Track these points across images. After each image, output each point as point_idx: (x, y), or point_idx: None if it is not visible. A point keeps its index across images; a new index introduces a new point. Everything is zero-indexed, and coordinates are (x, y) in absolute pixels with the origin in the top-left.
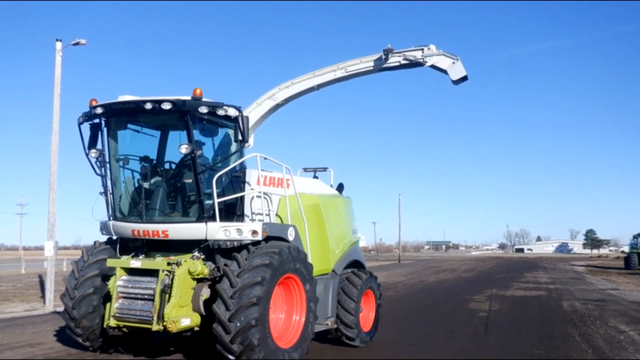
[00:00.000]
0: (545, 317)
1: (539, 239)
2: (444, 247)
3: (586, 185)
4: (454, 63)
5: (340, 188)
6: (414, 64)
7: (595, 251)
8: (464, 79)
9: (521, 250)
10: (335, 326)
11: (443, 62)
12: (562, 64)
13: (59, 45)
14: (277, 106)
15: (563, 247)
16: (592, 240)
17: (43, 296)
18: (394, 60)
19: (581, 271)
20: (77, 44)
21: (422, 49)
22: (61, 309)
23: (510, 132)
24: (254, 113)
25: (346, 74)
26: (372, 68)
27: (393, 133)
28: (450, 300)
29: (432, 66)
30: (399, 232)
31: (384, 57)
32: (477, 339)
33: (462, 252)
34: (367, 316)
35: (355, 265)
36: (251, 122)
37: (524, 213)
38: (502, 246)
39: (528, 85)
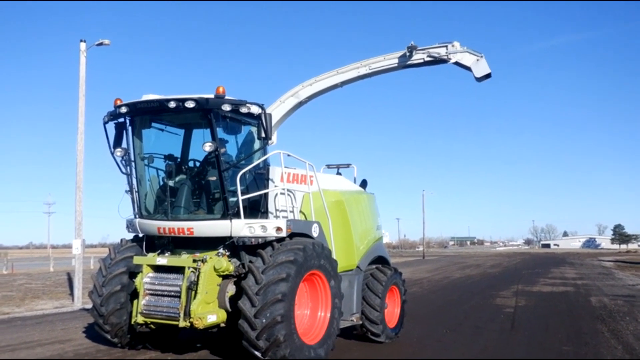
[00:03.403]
0: (573, 313)
1: (565, 234)
2: (468, 242)
3: (614, 179)
4: (478, 60)
5: (363, 184)
6: (437, 61)
7: (623, 246)
8: (488, 76)
9: (547, 245)
10: (361, 322)
11: (467, 59)
12: (586, 58)
13: (83, 45)
14: (301, 103)
15: (590, 243)
16: (620, 235)
17: (71, 293)
18: (417, 57)
19: (609, 266)
20: (101, 44)
21: (447, 46)
22: (89, 306)
23: (537, 126)
24: (277, 110)
25: (370, 71)
26: (396, 65)
27: (416, 129)
28: (476, 296)
29: (456, 63)
30: (423, 228)
31: (408, 54)
32: (503, 335)
33: (487, 247)
34: (392, 312)
35: (380, 261)
36: (275, 120)
37: (550, 208)
38: (528, 242)
39: (554, 79)
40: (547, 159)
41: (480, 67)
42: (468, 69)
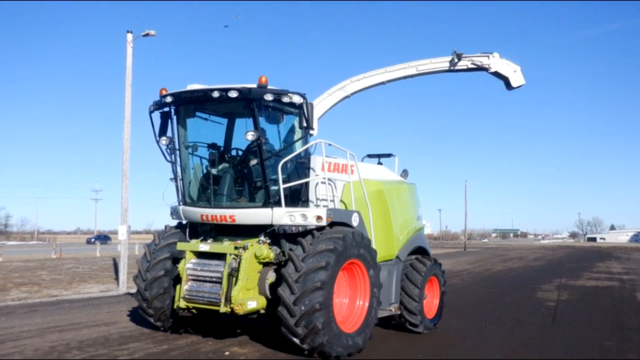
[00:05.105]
0: (617, 308)
1: (612, 227)
2: (511, 235)
3: None
4: (515, 71)
5: (404, 174)
6: (479, 69)
7: None
8: (520, 85)
9: (593, 239)
10: (399, 312)
11: (505, 69)
12: (628, 48)
13: (129, 36)
14: (346, 97)
15: (639, 237)
16: None
17: (117, 278)
18: (462, 63)
19: None
20: (147, 35)
21: (488, 56)
22: (134, 290)
23: (583, 116)
24: (324, 103)
25: (416, 72)
26: (441, 69)
27: (459, 118)
28: (518, 289)
29: (495, 72)
30: (465, 219)
31: (456, 60)
32: (544, 328)
33: (531, 240)
34: (431, 303)
35: (420, 251)
36: (321, 112)
37: (597, 200)
38: (573, 235)
39: (599, 68)
40: (594, 150)
41: (516, 78)
42: (505, 78)
